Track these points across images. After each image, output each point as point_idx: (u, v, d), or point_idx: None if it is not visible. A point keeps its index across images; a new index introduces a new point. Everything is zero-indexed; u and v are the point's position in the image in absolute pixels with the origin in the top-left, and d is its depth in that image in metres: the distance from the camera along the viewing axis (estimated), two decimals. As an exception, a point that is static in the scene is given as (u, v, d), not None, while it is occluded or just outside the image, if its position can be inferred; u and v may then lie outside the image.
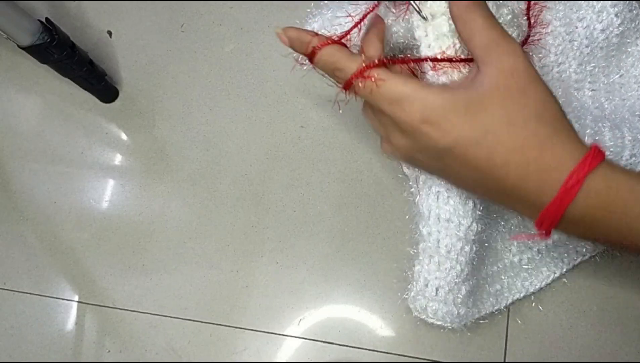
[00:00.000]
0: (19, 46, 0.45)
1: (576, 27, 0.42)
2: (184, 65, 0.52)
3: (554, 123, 0.28)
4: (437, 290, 0.38)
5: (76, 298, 0.50)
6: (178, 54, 0.53)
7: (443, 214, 0.36)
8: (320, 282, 0.46)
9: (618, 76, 0.43)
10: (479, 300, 0.41)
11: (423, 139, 0.29)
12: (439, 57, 0.31)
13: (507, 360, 0.42)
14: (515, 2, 0.41)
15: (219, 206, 0.49)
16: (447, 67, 0.31)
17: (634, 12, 0.42)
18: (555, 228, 0.28)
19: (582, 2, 0.42)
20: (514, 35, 0.37)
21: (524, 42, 0.40)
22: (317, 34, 0.32)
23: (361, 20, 0.34)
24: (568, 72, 0.44)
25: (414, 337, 0.43)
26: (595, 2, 0.41)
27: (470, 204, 0.36)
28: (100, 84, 0.51)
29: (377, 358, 0.44)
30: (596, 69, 0.43)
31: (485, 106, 0.27)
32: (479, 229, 0.37)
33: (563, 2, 0.43)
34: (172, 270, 0.48)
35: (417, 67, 0.32)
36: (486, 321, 0.43)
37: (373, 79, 0.29)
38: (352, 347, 0.44)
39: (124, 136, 0.53)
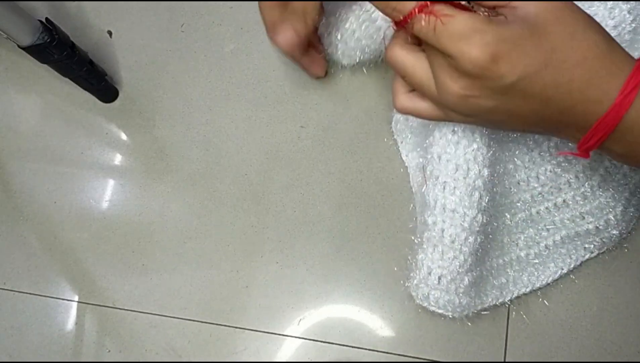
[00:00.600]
0: (18, 46, 0.45)
1: None
2: (184, 65, 0.52)
3: (605, 33, 0.29)
4: (439, 278, 0.38)
5: (76, 298, 0.50)
6: (178, 54, 0.53)
7: (449, 204, 0.37)
8: (320, 282, 0.46)
9: None
10: (483, 292, 0.41)
11: (490, 77, 0.28)
12: None
13: (507, 360, 0.42)
14: None
15: (219, 206, 0.49)
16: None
17: None
18: (606, 140, 0.29)
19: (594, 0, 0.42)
20: None
21: None
22: None
23: None
24: None
25: (414, 337, 0.43)
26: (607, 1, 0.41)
27: (477, 195, 0.36)
28: (100, 84, 0.51)
29: (377, 358, 0.44)
30: None
31: (545, 28, 0.28)
32: (484, 221, 0.37)
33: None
34: (172, 270, 0.48)
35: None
36: (487, 321, 0.43)
37: (439, 15, 0.28)
38: (352, 347, 0.44)
39: (124, 136, 0.53)
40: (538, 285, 0.42)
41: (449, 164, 0.37)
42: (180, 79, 0.52)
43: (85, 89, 0.51)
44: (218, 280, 0.47)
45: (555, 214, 0.43)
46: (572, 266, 0.42)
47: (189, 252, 0.48)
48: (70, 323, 0.49)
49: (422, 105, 0.33)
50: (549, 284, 0.42)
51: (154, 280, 0.49)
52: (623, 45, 0.42)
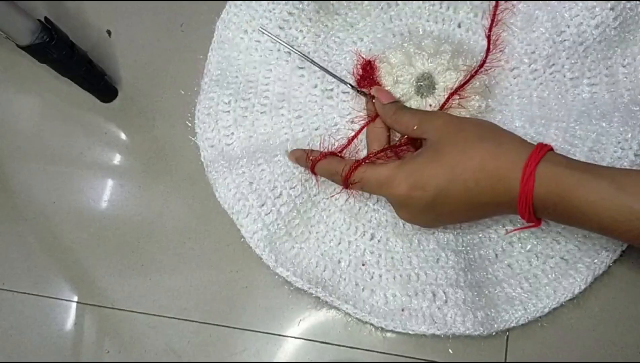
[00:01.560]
0: (18, 46, 0.45)
1: (568, 27, 0.43)
2: (184, 65, 0.52)
3: (495, 137, 0.35)
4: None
5: (75, 298, 0.50)
6: (178, 54, 0.53)
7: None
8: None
9: (622, 65, 0.43)
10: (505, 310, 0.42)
11: (414, 202, 0.36)
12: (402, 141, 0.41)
13: (507, 360, 0.42)
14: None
15: (218, 206, 0.49)
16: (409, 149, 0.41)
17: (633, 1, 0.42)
18: (536, 216, 0.34)
19: (573, 1, 0.42)
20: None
21: (480, 66, 0.42)
22: (313, 151, 0.42)
23: (353, 138, 0.44)
24: (562, 72, 0.44)
25: (413, 337, 0.43)
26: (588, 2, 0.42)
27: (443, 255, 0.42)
28: (99, 83, 0.51)
29: (377, 358, 0.44)
30: (595, 63, 0.43)
31: (442, 152, 0.35)
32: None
33: (552, 2, 0.43)
34: (171, 270, 0.48)
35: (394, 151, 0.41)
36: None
37: (357, 173, 0.38)
38: (352, 347, 0.44)
39: (123, 136, 0.53)
40: (569, 296, 0.41)
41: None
42: (180, 79, 0.52)
43: (84, 88, 0.51)
44: (218, 280, 0.47)
45: (553, 224, 0.42)
46: (600, 270, 0.41)
47: (188, 252, 0.48)
48: (70, 323, 0.49)
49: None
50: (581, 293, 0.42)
51: (153, 280, 0.48)
52: (612, 40, 0.42)
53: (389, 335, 0.44)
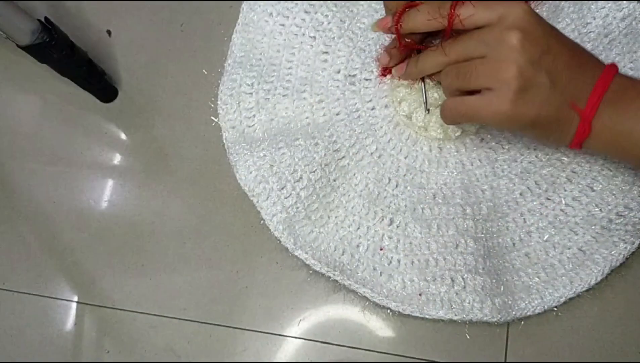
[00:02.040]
0: (18, 46, 0.45)
1: (594, 18, 0.43)
2: (184, 65, 0.52)
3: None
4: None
5: (75, 298, 0.50)
6: (178, 54, 0.53)
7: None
8: (320, 282, 0.46)
9: None
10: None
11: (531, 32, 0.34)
12: None
13: (507, 360, 0.42)
14: None
15: (219, 206, 0.49)
16: None
17: None
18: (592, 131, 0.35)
19: None
20: None
21: None
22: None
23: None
24: None
25: (413, 337, 0.43)
26: None
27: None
28: (99, 83, 0.51)
29: (377, 359, 0.44)
30: (620, 56, 0.43)
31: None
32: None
33: None
34: (171, 270, 0.48)
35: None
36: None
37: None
38: (352, 347, 0.44)
39: (123, 136, 0.53)
40: (586, 287, 0.41)
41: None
42: (180, 79, 0.52)
43: (84, 88, 0.51)
44: (218, 280, 0.47)
45: (571, 215, 0.42)
46: (617, 262, 0.41)
47: (188, 252, 0.48)
48: (70, 323, 0.49)
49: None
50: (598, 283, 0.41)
51: (153, 280, 0.48)
52: (635, 35, 0.43)
53: (389, 335, 0.44)
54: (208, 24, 0.53)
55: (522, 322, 0.42)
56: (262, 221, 0.45)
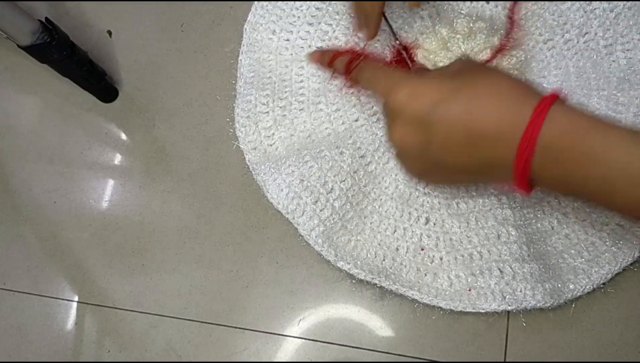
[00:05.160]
0: (18, 46, 0.45)
1: None
2: (184, 65, 0.52)
3: (511, 84, 0.32)
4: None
5: (76, 298, 0.50)
6: (178, 54, 0.53)
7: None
8: (320, 282, 0.46)
9: None
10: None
11: (407, 115, 0.34)
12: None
13: (507, 360, 0.42)
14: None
15: (219, 206, 0.49)
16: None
17: None
18: (532, 176, 0.31)
19: None
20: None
21: (504, 43, 0.42)
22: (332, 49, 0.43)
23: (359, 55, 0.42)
24: (595, 39, 0.44)
25: (414, 337, 0.43)
26: None
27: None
28: (100, 83, 0.51)
29: (377, 358, 0.44)
30: (627, 29, 0.44)
31: (453, 73, 0.34)
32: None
33: None
34: (172, 270, 0.48)
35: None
36: (487, 321, 0.43)
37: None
38: (352, 347, 0.44)
39: (123, 136, 0.53)
40: (631, 260, 0.41)
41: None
42: (180, 79, 0.52)
43: (84, 88, 0.51)
44: (218, 280, 0.47)
45: None
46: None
47: (189, 252, 0.48)
48: (70, 323, 0.49)
49: None
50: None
51: (153, 280, 0.49)
52: (639, 7, 0.43)
53: (389, 335, 0.44)
54: (208, 24, 0.53)
55: (523, 322, 0.42)
56: (262, 222, 0.45)
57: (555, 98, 0.30)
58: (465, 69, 0.34)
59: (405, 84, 0.34)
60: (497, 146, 0.31)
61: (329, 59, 0.41)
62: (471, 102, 0.31)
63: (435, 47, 0.43)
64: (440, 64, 0.43)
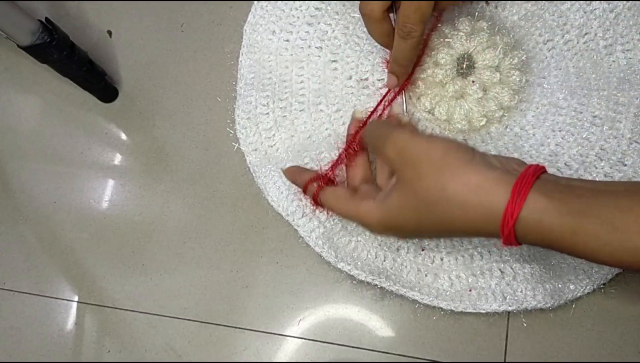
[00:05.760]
0: (18, 46, 0.45)
1: None
2: (184, 65, 0.52)
3: (466, 168, 0.31)
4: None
5: (76, 298, 0.50)
6: (178, 54, 0.53)
7: None
8: (320, 282, 0.46)
9: None
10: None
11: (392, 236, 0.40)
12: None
13: (507, 360, 0.42)
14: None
15: (219, 206, 0.49)
16: None
17: None
18: (518, 237, 0.31)
19: None
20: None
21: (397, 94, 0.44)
22: (307, 171, 0.42)
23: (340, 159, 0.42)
24: (595, 40, 0.44)
25: (414, 337, 0.43)
26: None
27: None
28: (100, 83, 0.51)
29: (377, 358, 0.44)
30: (627, 29, 0.44)
31: (411, 187, 0.33)
32: None
33: None
34: (172, 270, 0.48)
35: None
36: (486, 321, 0.43)
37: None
38: (352, 347, 0.44)
39: (123, 136, 0.53)
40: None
41: None
42: (180, 79, 0.52)
43: (85, 88, 0.51)
44: (218, 280, 0.47)
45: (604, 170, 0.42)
46: None
47: (189, 252, 0.48)
48: (70, 323, 0.49)
49: None
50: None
51: (153, 280, 0.49)
52: (639, 7, 0.43)
53: (389, 335, 0.44)
54: (208, 24, 0.53)
55: (523, 322, 0.42)
56: (262, 222, 0.45)
57: (526, 189, 0.30)
58: (413, 174, 0.33)
59: (370, 220, 0.35)
60: (480, 232, 0.32)
61: (303, 185, 0.41)
62: (445, 216, 0.32)
63: (437, 44, 0.43)
64: (442, 61, 0.43)
